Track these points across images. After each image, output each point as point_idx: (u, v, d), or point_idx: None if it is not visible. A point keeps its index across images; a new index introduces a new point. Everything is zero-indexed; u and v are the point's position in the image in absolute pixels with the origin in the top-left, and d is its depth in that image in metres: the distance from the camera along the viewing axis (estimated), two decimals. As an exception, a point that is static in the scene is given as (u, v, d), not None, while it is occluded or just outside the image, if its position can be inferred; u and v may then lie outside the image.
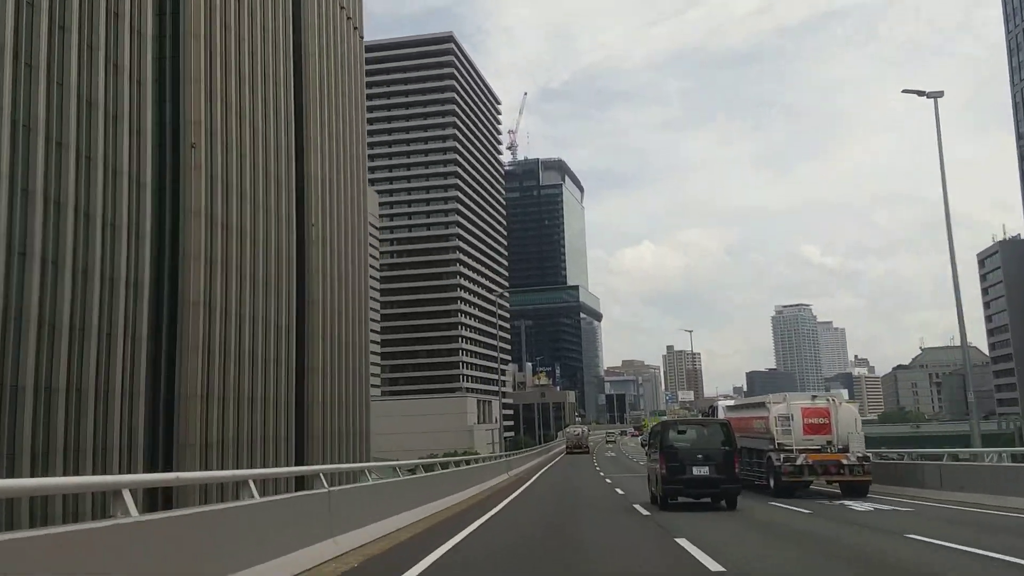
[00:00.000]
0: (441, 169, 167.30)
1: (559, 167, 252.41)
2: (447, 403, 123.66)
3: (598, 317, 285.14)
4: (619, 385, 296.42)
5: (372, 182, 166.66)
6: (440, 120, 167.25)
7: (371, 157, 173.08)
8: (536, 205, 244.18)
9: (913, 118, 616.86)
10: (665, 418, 35.32)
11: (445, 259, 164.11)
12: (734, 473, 17.77)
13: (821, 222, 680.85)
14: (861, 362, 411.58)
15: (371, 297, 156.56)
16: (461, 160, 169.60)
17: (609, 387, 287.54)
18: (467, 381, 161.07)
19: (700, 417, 34.31)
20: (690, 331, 66.34)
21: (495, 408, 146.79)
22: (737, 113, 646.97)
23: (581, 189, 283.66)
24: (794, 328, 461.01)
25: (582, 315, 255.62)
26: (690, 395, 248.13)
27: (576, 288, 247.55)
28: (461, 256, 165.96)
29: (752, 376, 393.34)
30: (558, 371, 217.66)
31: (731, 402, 34.33)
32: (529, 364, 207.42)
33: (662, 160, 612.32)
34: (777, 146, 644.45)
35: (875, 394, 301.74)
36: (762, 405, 23.55)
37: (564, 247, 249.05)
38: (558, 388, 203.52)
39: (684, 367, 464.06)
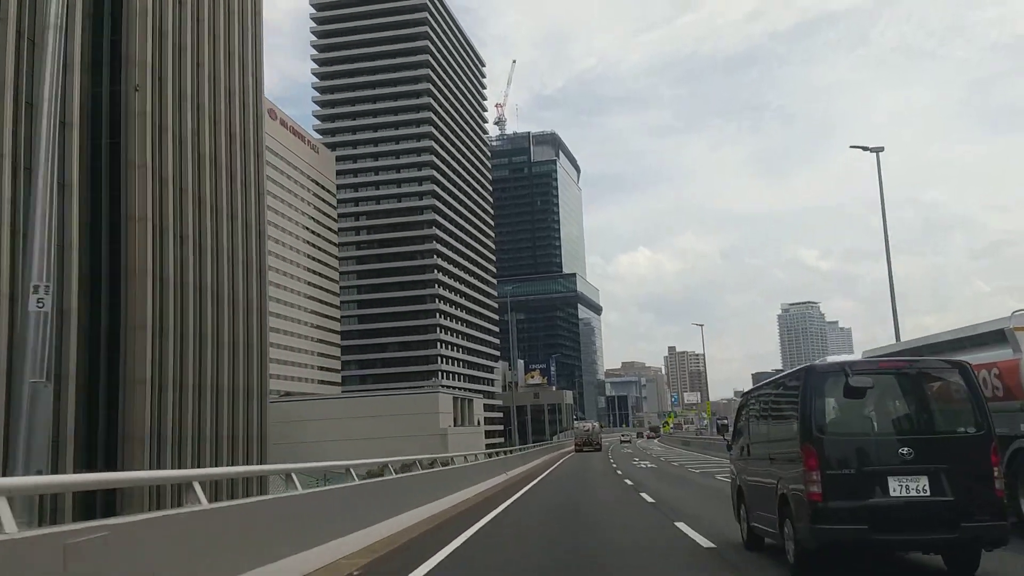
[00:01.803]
0: (414, 130, 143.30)
1: (553, 141, 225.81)
2: (415, 401, 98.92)
3: (597, 310, 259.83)
4: (620, 387, 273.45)
5: (333, 146, 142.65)
6: (412, 73, 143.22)
7: (332, 117, 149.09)
8: (527, 185, 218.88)
9: (906, 123, 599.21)
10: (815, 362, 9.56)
11: (420, 235, 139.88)
12: (992, 491, 7.00)
13: (817, 226, 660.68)
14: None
15: (328, 277, 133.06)
16: (438, 120, 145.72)
17: (610, 388, 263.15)
18: (449, 378, 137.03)
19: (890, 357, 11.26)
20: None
21: (477, 408, 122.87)
22: (731, 118, 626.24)
23: (577, 169, 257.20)
24: (801, 327, 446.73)
25: (580, 308, 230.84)
26: (696, 396, 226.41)
27: (573, 276, 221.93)
28: (438, 232, 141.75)
29: (759, 378, 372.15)
30: (553, 369, 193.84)
31: (854, 355, 15.12)
32: (521, 362, 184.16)
33: (657, 165, 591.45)
34: (772, 151, 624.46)
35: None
36: (998, 336, 9.73)
37: (559, 231, 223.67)
38: (554, 388, 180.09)
39: (687, 368, 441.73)
